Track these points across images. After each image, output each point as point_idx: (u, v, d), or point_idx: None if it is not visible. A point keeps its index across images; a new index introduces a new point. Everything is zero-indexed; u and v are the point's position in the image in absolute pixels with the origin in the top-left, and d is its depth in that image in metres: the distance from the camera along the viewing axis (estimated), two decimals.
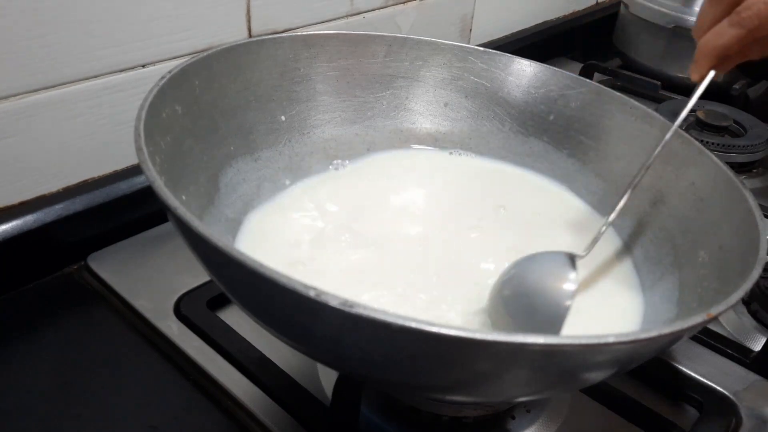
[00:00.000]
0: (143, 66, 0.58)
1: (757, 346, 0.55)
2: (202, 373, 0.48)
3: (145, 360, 0.49)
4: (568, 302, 0.39)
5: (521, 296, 0.42)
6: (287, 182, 0.53)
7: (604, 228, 0.46)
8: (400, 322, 0.27)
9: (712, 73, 0.46)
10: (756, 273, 0.36)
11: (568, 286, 0.41)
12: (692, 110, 0.82)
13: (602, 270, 0.49)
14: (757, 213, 0.41)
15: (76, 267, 0.57)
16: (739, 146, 0.78)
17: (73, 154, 0.57)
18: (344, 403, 0.43)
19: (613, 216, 0.46)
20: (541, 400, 0.48)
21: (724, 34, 0.44)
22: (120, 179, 0.59)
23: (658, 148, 0.47)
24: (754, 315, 0.58)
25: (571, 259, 0.43)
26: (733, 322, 0.57)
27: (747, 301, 0.59)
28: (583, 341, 0.29)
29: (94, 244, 0.58)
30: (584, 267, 0.48)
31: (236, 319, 0.51)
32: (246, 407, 0.46)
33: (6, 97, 0.51)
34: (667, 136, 0.47)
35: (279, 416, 0.45)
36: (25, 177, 0.55)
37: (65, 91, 0.54)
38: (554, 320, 0.39)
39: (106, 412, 0.45)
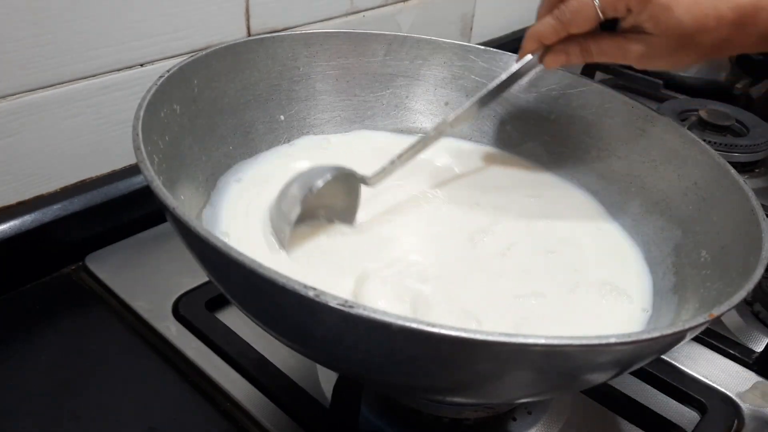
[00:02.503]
0: (141, 65, 0.58)
1: (760, 346, 0.54)
2: (200, 375, 0.48)
3: (143, 361, 0.49)
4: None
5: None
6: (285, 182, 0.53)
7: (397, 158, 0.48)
8: (400, 322, 0.27)
9: (528, 57, 0.49)
10: (758, 273, 0.36)
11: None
12: (695, 109, 0.83)
13: (603, 270, 0.48)
14: (760, 213, 0.41)
15: (74, 267, 0.57)
16: (741, 146, 0.78)
17: (71, 154, 0.57)
18: (344, 404, 0.42)
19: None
20: (542, 401, 0.48)
21: (544, 23, 0.47)
22: (118, 179, 0.59)
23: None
24: (756, 316, 0.58)
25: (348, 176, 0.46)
26: (736, 322, 0.57)
27: (749, 302, 0.59)
28: (585, 342, 0.29)
29: (93, 245, 0.57)
30: (586, 266, 0.48)
31: (235, 320, 0.51)
32: (245, 409, 0.45)
33: (3, 97, 0.51)
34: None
35: (278, 418, 0.45)
36: (22, 177, 0.55)
37: (63, 91, 0.54)
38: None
39: (104, 413, 0.45)
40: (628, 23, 0.46)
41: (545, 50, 0.49)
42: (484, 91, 0.50)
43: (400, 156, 0.49)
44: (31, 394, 0.45)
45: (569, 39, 0.47)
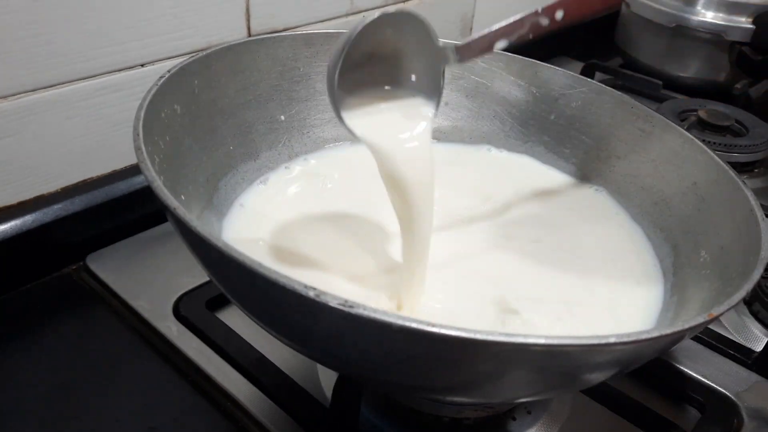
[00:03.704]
0: (142, 65, 0.58)
1: (759, 346, 0.54)
2: (201, 374, 0.48)
3: (144, 361, 0.49)
4: None
5: None
6: (286, 181, 0.53)
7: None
8: (400, 322, 0.27)
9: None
10: (757, 273, 0.36)
11: None
12: (694, 109, 0.83)
13: (604, 270, 0.49)
14: (759, 213, 0.41)
15: (74, 267, 0.57)
16: (740, 146, 0.78)
17: (71, 154, 0.57)
18: (344, 404, 0.42)
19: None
20: (542, 401, 0.48)
21: None
22: (119, 179, 0.59)
23: None
24: (755, 315, 0.58)
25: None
26: (735, 322, 0.57)
27: (748, 302, 0.59)
28: (585, 341, 0.29)
29: (93, 245, 0.58)
30: (587, 266, 0.48)
31: (235, 319, 0.51)
32: (245, 408, 0.46)
33: (4, 97, 0.51)
34: None
35: (278, 417, 0.45)
36: (23, 177, 0.55)
37: (63, 91, 0.54)
38: None
39: (104, 413, 0.45)
40: None
41: None
42: None
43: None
44: (31, 395, 0.45)
45: None
